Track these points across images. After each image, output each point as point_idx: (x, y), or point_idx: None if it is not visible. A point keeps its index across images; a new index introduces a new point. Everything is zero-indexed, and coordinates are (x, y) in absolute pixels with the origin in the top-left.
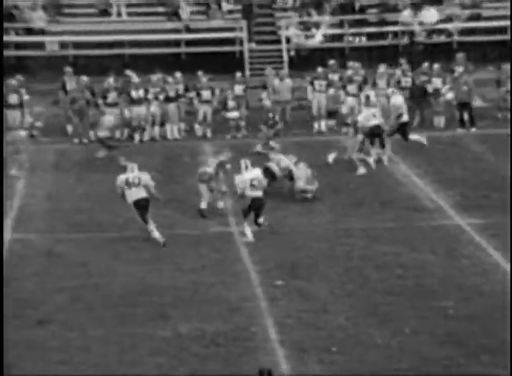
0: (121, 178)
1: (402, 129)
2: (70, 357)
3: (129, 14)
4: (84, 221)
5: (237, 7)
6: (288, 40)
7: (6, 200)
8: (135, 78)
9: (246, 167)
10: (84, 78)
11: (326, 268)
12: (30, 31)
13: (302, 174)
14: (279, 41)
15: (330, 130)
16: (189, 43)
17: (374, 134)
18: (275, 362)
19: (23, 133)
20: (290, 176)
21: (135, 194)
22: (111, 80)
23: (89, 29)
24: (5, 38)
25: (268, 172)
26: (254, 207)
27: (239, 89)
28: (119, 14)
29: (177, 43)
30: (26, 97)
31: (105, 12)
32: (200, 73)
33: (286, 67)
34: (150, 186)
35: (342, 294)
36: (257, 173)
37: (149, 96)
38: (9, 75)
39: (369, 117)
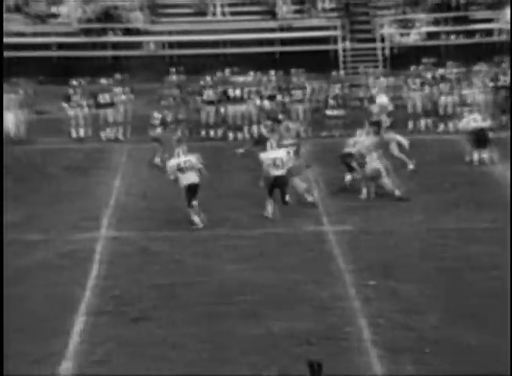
0: (171, 164)
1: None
2: (163, 354)
3: (225, 13)
4: (179, 219)
5: (333, 5)
6: (383, 38)
7: (103, 197)
8: (233, 78)
9: (272, 146)
10: (174, 77)
11: (419, 268)
12: (128, 31)
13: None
14: (374, 40)
15: (428, 129)
16: (283, 42)
17: (477, 137)
18: (368, 362)
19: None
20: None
21: (189, 178)
22: (208, 78)
23: (185, 29)
24: (104, 39)
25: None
26: (276, 185)
27: (335, 88)
28: (215, 14)
29: (272, 42)
30: (125, 96)
31: (201, 12)
32: (293, 71)
33: (381, 66)
34: (199, 167)
35: (435, 295)
36: (281, 153)
37: (245, 95)
38: (105, 75)
39: (469, 121)
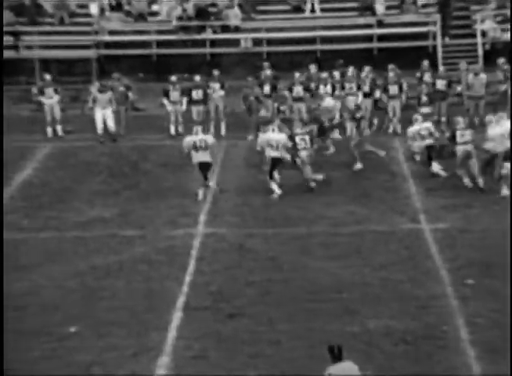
0: (188, 140)
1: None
2: (259, 350)
3: (322, 10)
4: (274, 216)
5: (432, 1)
6: (484, 33)
7: (202, 195)
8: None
9: (273, 130)
10: (267, 73)
11: None
12: (225, 29)
13: None
14: (473, 35)
15: None
16: (381, 38)
17: None
18: (465, 362)
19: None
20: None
21: (200, 157)
22: (297, 75)
23: (282, 25)
24: (203, 36)
25: None
26: (274, 166)
27: (429, 85)
28: (312, 10)
29: (369, 38)
30: (220, 93)
31: (298, 9)
32: (390, 67)
33: (480, 62)
34: (213, 147)
35: None
36: (280, 136)
37: (342, 92)
38: (202, 72)
39: None
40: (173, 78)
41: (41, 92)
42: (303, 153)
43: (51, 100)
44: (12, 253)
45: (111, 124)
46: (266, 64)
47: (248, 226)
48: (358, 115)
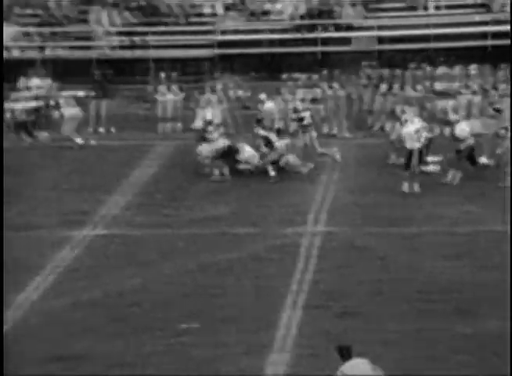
0: None
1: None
2: (369, 350)
3: (437, 8)
4: (386, 214)
5: None
6: None
7: (311, 192)
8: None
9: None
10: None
11: None
12: (337, 27)
13: None
14: None
15: None
16: (495, 35)
17: None
18: None
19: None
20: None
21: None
22: (408, 73)
23: (396, 23)
24: (315, 34)
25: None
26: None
27: None
28: (426, 8)
29: (483, 36)
30: (332, 92)
31: (413, 7)
32: (502, 66)
33: None
34: None
35: None
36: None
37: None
38: (313, 71)
39: None
40: (284, 76)
41: (156, 91)
42: None
43: (165, 98)
44: (127, 250)
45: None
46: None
47: (359, 225)
48: None
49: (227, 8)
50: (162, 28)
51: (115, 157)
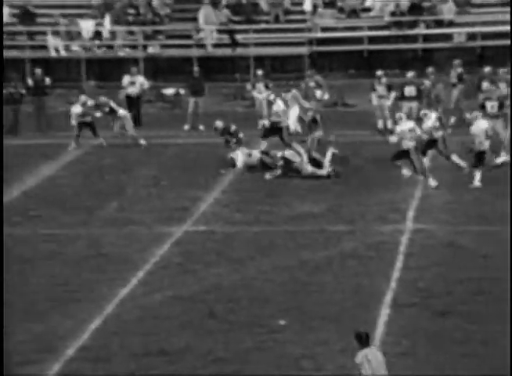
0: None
1: None
2: (471, 350)
3: None
4: (486, 213)
5: None
6: None
7: (408, 190)
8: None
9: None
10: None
11: None
12: (439, 23)
13: None
14: None
15: None
16: None
17: None
18: None
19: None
20: None
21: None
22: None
23: (498, 19)
24: (415, 31)
25: None
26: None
27: None
28: None
29: None
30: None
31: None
32: None
33: None
34: None
35: None
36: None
37: None
38: (413, 68)
39: None
40: (379, 73)
41: (254, 87)
42: None
43: (262, 95)
44: (226, 246)
45: (293, 123)
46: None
47: (459, 223)
48: None
49: (326, 5)
50: (263, 26)
51: (214, 155)
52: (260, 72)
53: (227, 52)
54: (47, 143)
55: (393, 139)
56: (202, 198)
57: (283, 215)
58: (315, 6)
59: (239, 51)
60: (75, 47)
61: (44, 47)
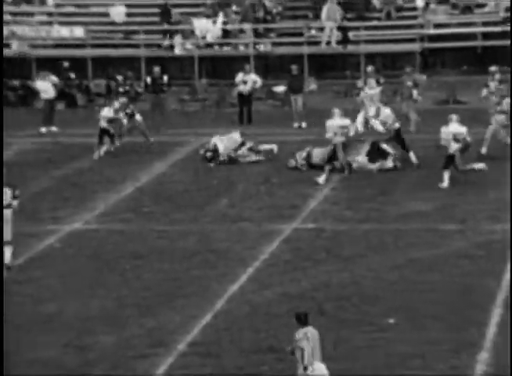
0: None
1: None
2: None
3: None
4: None
5: None
6: None
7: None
8: None
9: None
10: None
11: None
12: None
13: None
14: None
15: None
16: None
17: None
18: None
19: None
20: None
21: None
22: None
23: None
24: None
25: None
26: None
27: None
28: None
29: None
30: None
31: None
32: None
33: None
34: None
35: None
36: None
37: None
38: None
39: None
40: (492, 69)
41: (365, 83)
42: None
43: (372, 91)
44: (335, 244)
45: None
46: None
47: None
48: None
49: (440, 1)
50: (374, 23)
51: None
52: (370, 68)
53: (338, 49)
54: (163, 141)
55: None
56: (312, 196)
57: (392, 213)
58: (427, 3)
59: (350, 48)
60: (189, 45)
61: (159, 45)
